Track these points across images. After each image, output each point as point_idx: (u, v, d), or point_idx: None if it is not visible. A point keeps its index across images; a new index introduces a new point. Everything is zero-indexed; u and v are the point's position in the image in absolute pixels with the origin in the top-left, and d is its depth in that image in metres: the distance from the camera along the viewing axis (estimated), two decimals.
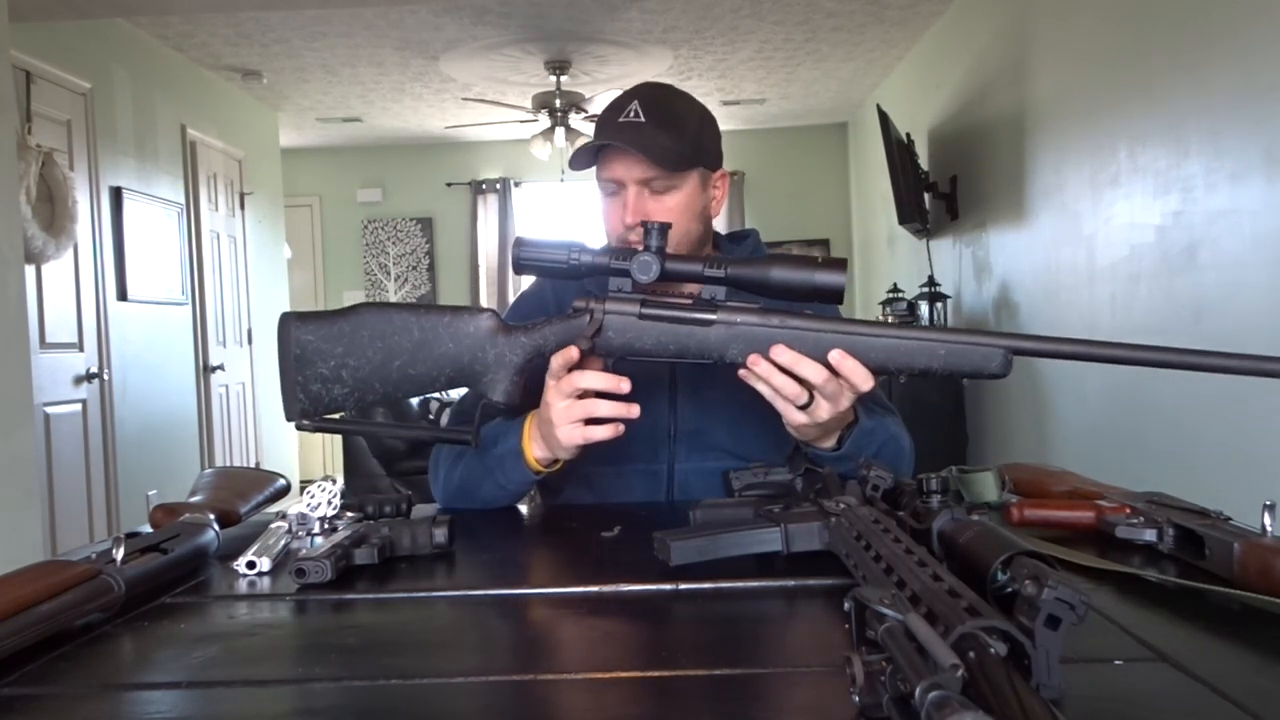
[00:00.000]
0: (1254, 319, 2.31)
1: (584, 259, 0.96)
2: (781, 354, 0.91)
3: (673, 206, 1.18)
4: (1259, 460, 2.33)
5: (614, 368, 1.00)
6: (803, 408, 0.94)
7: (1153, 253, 2.80)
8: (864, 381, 0.92)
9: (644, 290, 0.96)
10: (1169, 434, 2.74)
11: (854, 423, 1.06)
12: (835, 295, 0.93)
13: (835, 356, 0.91)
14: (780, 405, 0.95)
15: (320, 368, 0.94)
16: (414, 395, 0.98)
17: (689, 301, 0.95)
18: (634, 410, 0.97)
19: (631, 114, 1.16)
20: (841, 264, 0.93)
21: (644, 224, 0.97)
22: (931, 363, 0.90)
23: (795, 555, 0.76)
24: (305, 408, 0.95)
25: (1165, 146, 2.71)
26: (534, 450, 1.08)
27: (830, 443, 1.05)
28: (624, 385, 0.96)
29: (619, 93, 1.20)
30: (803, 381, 0.93)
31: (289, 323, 0.95)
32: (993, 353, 0.89)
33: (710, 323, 0.93)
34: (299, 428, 0.96)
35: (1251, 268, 2.34)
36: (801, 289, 0.93)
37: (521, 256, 0.98)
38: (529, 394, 1.01)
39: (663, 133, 1.15)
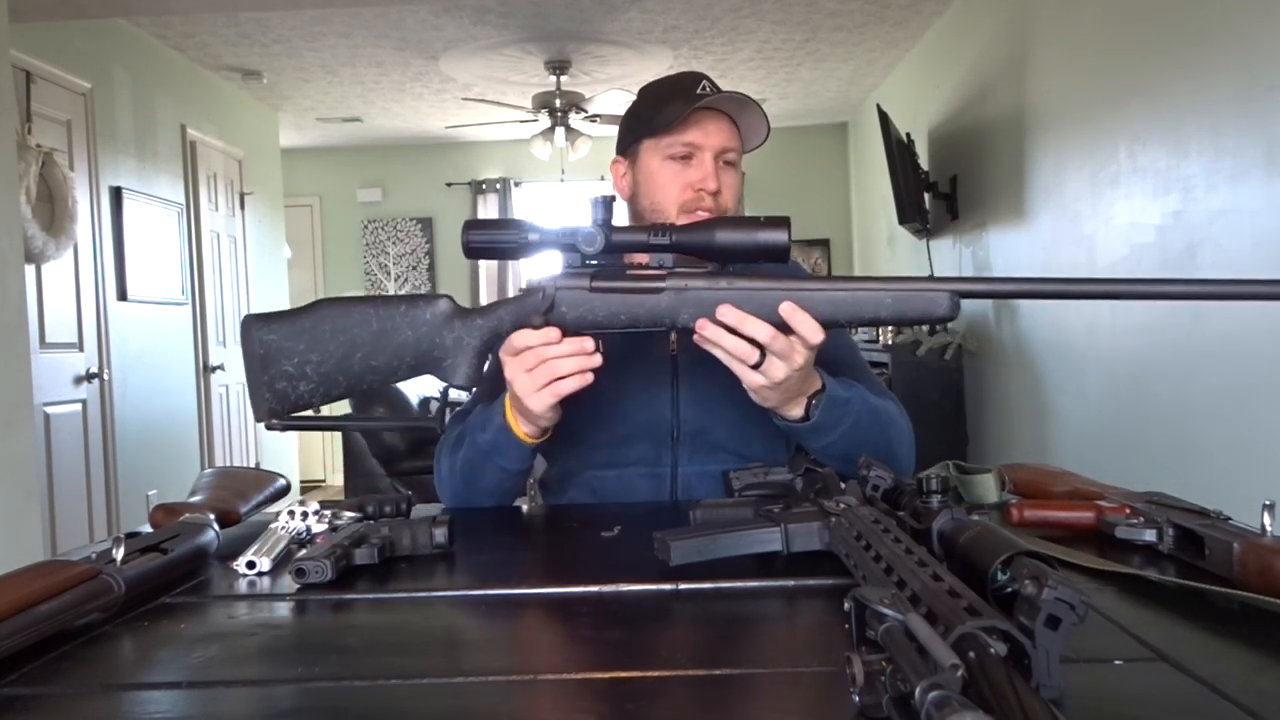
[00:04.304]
0: (1254, 319, 2.30)
1: (532, 237, 0.97)
2: (728, 314, 0.93)
3: (737, 181, 1.26)
4: (1259, 460, 2.33)
5: (607, 352, 1.00)
6: (755, 367, 0.95)
7: (1153, 253, 2.80)
8: (813, 334, 0.93)
9: (598, 264, 0.97)
10: (1169, 434, 2.74)
11: (821, 391, 1.05)
12: (779, 253, 0.94)
13: (786, 309, 0.92)
14: (735, 367, 0.96)
15: (285, 365, 0.94)
16: (378, 385, 0.98)
17: (639, 272, 0.96)
18: (595, 359, 0.97)
19: (707, 88, 1.21)
20: (783, 222, 0.94)
21: (590, 199, 0.97)
22: (880, 311, 0.92)
23: (795, 555, 0.76)
24: (273, 407, 0.95)
25: (1165, 146, 2.71)
26: (520, 426, 1.08)
27: (798, 411, 1.05)
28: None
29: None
30: (753, 341, 0.94)
31: (251, 324, 0.96)
32: (938, 296, 0.91)
33: (660, 290, 0.94)
34: (269, 428, 0.96)
35: (1251, 268, 2.33)
36: (746, 248, 0.95)
37: (472, 240, 0.98)
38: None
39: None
